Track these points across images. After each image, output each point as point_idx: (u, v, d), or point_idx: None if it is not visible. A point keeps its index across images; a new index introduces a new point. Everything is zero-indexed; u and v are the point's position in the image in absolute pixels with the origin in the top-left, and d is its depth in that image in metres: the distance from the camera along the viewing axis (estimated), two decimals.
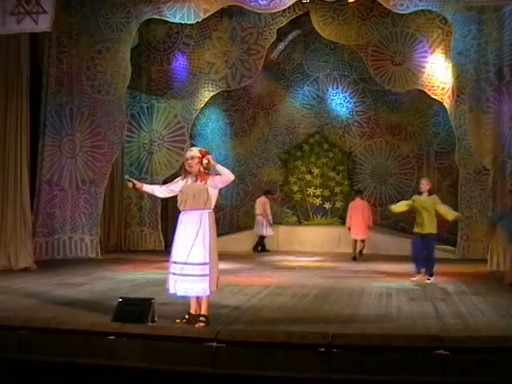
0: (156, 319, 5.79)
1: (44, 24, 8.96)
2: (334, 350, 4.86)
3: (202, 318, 5.83)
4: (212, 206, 5.89)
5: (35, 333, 5.53)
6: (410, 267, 10.88)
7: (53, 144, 11.73)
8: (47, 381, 5.26)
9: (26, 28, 9.17)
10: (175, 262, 5.83)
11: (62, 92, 11.77)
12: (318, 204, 15.28)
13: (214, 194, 5.88)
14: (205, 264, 5.75)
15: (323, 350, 4.87)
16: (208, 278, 5.74)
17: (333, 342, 4.92)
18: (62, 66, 11.75)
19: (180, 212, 5.94)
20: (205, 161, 5.84)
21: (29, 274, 9.56)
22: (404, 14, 11.59)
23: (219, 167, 5.85)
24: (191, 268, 5.73)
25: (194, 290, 5.78)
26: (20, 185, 10.21)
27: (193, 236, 5.77)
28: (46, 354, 5.35)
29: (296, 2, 11.59)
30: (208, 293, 5.81)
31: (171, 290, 5.87)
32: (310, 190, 15.28)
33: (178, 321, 5.91)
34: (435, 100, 12.98)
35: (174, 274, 5.82)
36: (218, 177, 5.84)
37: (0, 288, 8.00)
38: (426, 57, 12.79)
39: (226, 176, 5.84)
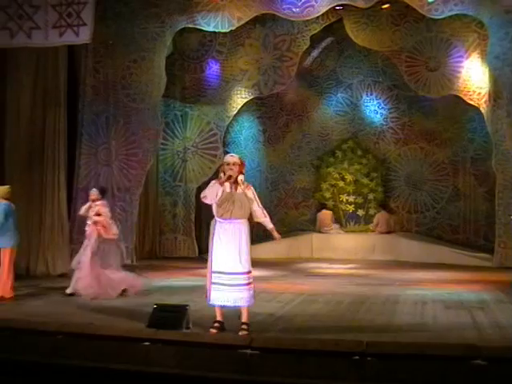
0: (190, 326, 5.82)
1: (84, 36, 9.17)
2: (369, 359, 4.82)
3: (244, 326, 5.80)
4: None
5: (72, 338, 5.62)
6: (445, 275, 10.76)
7: (89, 152, 11.89)
8: None
9: (68, 40, 9.40)
10: (221, 272, 5.78)
11: (98, 101, 11.93)
12: (350, 211, 15.17)
13: None
14: (249, 273, 5.80)
15: (357, 358, 4.83)
16: (253, 286, 5.83)
17: (367, 350, 4.88)
18: (98, 76, 11.92)
19: (217, 220, 5.90)
20: (240, 177, 5.89)
21: (66, 279, 9.68)
22: (439, 19, 11.46)
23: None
24: (238, 278, 5.75)
25: (243, 300, 5.78)
26: (58, 192, 10.42)
27: (238, 245, 5.78)
28: (82, 359, 5.43)
29: (329, 9, 11.56)
30: (253, 301, 5.87)
31: (216, 301, 5.83)
32: (343, 197, 15.18)
33: (213, 331, 5.84)
34: (471, 105, 12.78)
35: (222, 284, 5.78)
36: (255, 201, 5.95)
37: (38, 293, 8.16)
38: (461, 62, 12.62)
39: (262, 215, 6.02)
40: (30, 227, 10.16)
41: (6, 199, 8.03)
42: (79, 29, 9.09)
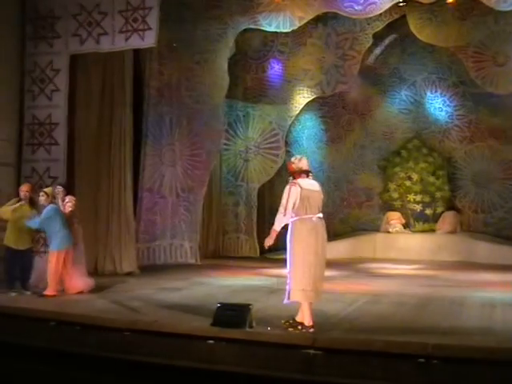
0: (254, 325, 5.87)
1: (150, 40, 9.41)
2: (434, 361, 4.73)
3: (290, 321, 5.88)
4: (293, 214, 5.88)
5: (138, 335, 5.77)
6: None
7: (153, 153, 12.13)
8: (148, 381, 5.46)
9: (134, 44, 9.69)
10: None
11: (162, 103, 12.16)
12: (418, 210, 14.86)
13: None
14: (289, 272, 5.88)
15: (422, 360, 4.75)
16: (290, 284, 5.85)
17: (433, 352, 4.79)
18: (162, 78, 12.16)
19: None
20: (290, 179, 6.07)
21: (132, 278, 9.95)
22: (507, 12, 11.08)
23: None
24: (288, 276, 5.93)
25: (284, 297, 5.94)
26: (124, 193, 10.67)
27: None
28: (148, 355, 5.57)
29: (392, 6, 11.38)
30: (284, 302, 5.90)
31: None
32: (410, 197, 14.88)
33: (283, 321, 5.95)
34: None
35: None
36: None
37: (106, 291, 8.40)
38: None
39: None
40: (97, 227, 10.46)
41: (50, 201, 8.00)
42: (145, 33, 9.34)
